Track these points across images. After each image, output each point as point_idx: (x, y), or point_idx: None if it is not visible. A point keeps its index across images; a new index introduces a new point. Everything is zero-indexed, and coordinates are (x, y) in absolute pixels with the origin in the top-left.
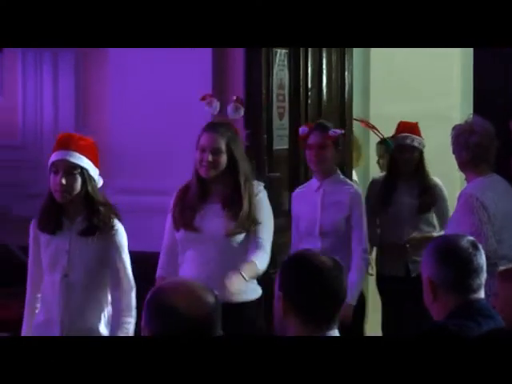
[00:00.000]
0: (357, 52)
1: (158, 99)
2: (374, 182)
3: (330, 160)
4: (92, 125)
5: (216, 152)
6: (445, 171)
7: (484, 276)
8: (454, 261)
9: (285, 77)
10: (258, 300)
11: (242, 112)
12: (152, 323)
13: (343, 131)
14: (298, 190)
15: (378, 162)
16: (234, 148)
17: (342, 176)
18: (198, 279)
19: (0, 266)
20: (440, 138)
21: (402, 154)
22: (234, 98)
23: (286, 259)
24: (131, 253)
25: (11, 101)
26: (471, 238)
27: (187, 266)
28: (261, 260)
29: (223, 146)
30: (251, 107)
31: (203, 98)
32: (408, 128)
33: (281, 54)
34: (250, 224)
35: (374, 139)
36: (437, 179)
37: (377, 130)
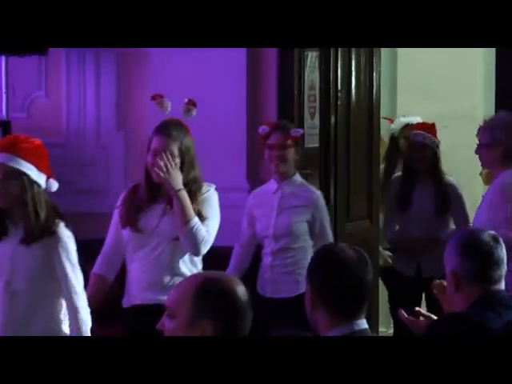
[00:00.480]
0: (384, 54)
1: (195, 98)
2: (392, 181)
3: (291, 161)
4: (132, 124)
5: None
6: (468, 169)
7: (504, 268)
8: (477, 253)
9: (316, 78)
10: None
11: (194, 113)
12: (212, 312)
13: (303, 132)
14: (256, 191)
15: None
16: (185, 151)
17: (300, 179)
18: (145, 279)
19: None
20: (463, 136)
21: (414, 151)
22: (186, 100)
23: (315, 253)
24: None
25: (56, 101)
26: (492, 232)
27: (135, 266)
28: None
29: (176, 150)
30: (284, 107)
31: (153, 98)
32: (423, 127)
33: (312, 57)
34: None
35: None
36: (452, 179)
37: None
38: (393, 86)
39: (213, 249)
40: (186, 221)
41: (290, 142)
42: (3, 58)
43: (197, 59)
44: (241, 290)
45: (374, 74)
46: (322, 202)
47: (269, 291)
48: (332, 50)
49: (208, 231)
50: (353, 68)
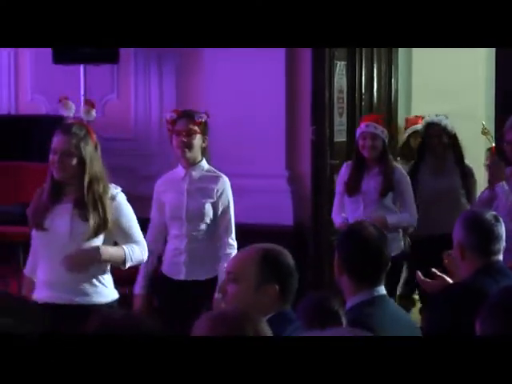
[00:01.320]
0: (401, 62)
1: (242, 97)
2: (342, 168)
3: (197, 147)
4: None
5: (65, 154)
6: (472, 162)
7: (503, 244)
8: (479, 229)
9: (343, 83)
10: (111, 304)
11: (93, 114)
12: (277, 277)
13: (208, 117)
14: (162, 177)
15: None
16: (83, 149)
17: (207, 165)
18: (49, 280)
19: None
20: (467, 132)
21: (366, 140)
22: (83, 100)
23: (343, 230)
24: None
25: (125, 102)
26: (494, 212)
27: (41, 265)
28: (134, 250)
29: (73, 148)
30: (317, 107)
31: (60, 100)
32: (374, 119)
33: (340, 65)
34: (104, 227)
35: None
36: (399, 166)
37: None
38: (408, 90)
39: (249, 228)
40: (122, 263)
41: (195, 128)
42: (82, 67)
43: (244, 61)
44: (291, 258)
45: (393, 80)
46: (228, 186)
47: (182, 273)
48: (357, 60)
49: (137, 240)
50: (374, 74)
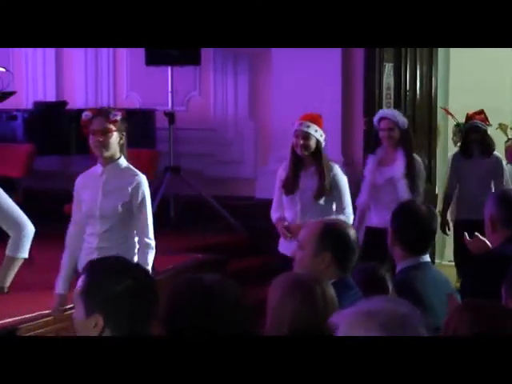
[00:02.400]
0: (440, 62)
1: (305, 92)
2: (281, 168)
3: (114, 145)
4: (259, 113)
5: None
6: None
7: None
8: (508, 204)
9: (391, 82)
10: None
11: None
12: (332, 247)
13: (121, 115)
14: (83, 174)
15: (453, 139)
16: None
17: (126, 163)
18: None
19: (195, 209)
20: (494, 125)
21: (299, 139)
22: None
23: (398, 205)
24: None
25: (206, 98)
26: None
27: None
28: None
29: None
30: (368, 102)
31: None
32: (310, 118)
33: (388, 67)
34: None
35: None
36: (335, 165)
37: (453, 116)
38: (446, 86)
39: None
40: None
41: (111, 126)
42: (169, 68)
43: (306, 62)
44: (352, 232)
45: (433, 78)
46: (145, 184)
47: None
48: (402, 62)
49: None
50: (417, 74)
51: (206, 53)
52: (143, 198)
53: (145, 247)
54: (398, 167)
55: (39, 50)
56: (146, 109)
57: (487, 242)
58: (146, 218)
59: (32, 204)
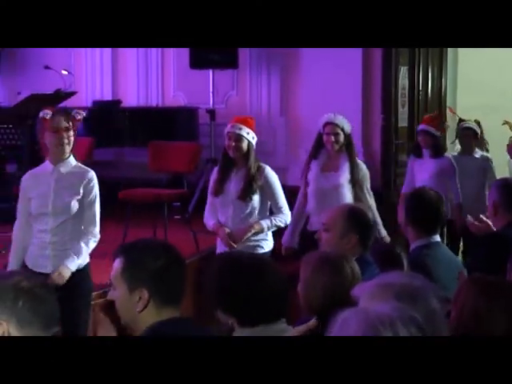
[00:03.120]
0: (449, 65)
1: (329, 90)
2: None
3: (71, 144)
4: (290, 111)
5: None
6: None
7: None
8: (509, 190)
9: (406, 83)
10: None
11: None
12: (357, 229)
13: (83, 114)
14: (30, 172)
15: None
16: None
17: (75, 161)
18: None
19: None
20: (498, 122)
21: (230, 141)
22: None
23: (409, 193)
24: None
25: (242, 97)
26: None
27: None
28: None
29: None
30: (385, 100)
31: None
32: (241, 120)
33: (403, 69)
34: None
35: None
36: (267, 167)
37: (456, 113)
38: (454, 86)
39: None
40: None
41: (71, 124)
42: (211, 71)
43: (331, 64)
44: (370, 214)
45: (442, 79)
46: (94, 180)
47: (49, 267)
48: (416, 65)
49: None
50: (429, 75)
51: (243, 57)
52: (95, 194)
53: (91, 235)
54: (344, 173)
55: (97, 54)
56: (190, 107)
57: (490, 223)
58: (95, 213)
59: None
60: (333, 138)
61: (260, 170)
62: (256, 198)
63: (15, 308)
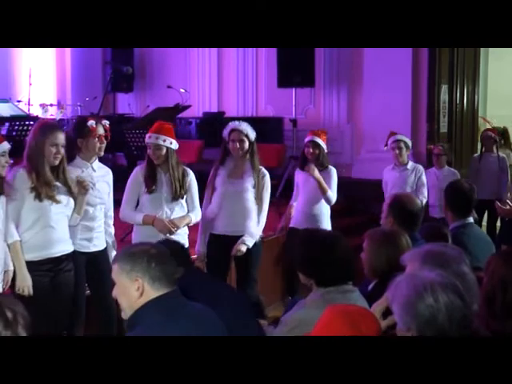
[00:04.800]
0: (481, 81)
1: (387, 103)
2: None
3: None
4: (355, 119)
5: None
6: None
7: None
8: None
9: (446, 98)
10: None
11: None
12: (396, 213)
13: (108, 123)
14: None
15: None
16: None
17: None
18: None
19: None
20: None
21: (151, 149)
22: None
23: (447, 185)
24: None
25: (318, 109)
26: None
27: None
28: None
29: None
30: (430, 111)
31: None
32: (157, 130)
33: (444, 87)
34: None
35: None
36: (187, 169)
37: (489, 121)
38: (485, 98)
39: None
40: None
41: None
42: (293, 89)
43: (387, 83)
44: (417, 201)
45: (476, 94)
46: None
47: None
48: (454, 83)
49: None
50: (464, 91)
51: (318, 78)
52: (112, 187)
53: (109, 219)
54: (249, 178)
55: (206, 76)
56: (277, 117)
57: None
58: (111, 202)
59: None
60: (238, 145)
61: (185, 173)
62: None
63: (148, 268)
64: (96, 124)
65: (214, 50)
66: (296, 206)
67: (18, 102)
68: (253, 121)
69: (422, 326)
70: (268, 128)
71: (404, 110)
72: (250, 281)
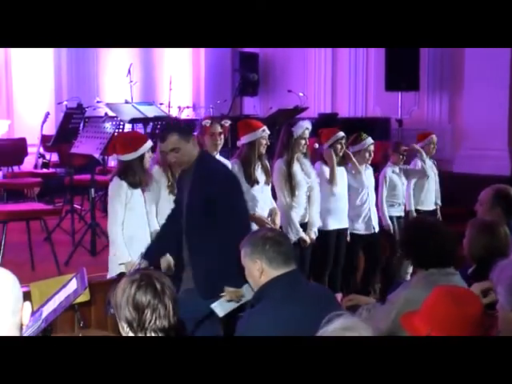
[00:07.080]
0: None
1: (483, 110)
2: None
3: (222, 143)
4: (456, 119)
5: None
6: None
7: None
8: None
9: None
10: None
11: None
12: (502, 205)
13: (229, 122)
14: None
15: None
16: None
17: None
18: None
19: None
20: None
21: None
22: None
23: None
24: None
25: (422, 110)
26: None
27: None
28: None
29: None
30: None
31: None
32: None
33: None
34: None
35: None
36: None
37: None
38: None
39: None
40: None
41: (222, 130)
42: (400, 92)
43: (486, 88)
44: None
45: None
46: None
47: None
48: None
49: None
50: None
51: (423, 82)
52: None
53: None
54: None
55: (322, 81)
56: (384, 117)
57: None
58: None
59: None
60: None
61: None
62: None
63: (264, 250)
64: (212, 123)
65: (329, 55)
66: None
67: (160, 104)
68: (363, 120)
69: None
70: (376, 127)
71: (500, 109)
72: None
